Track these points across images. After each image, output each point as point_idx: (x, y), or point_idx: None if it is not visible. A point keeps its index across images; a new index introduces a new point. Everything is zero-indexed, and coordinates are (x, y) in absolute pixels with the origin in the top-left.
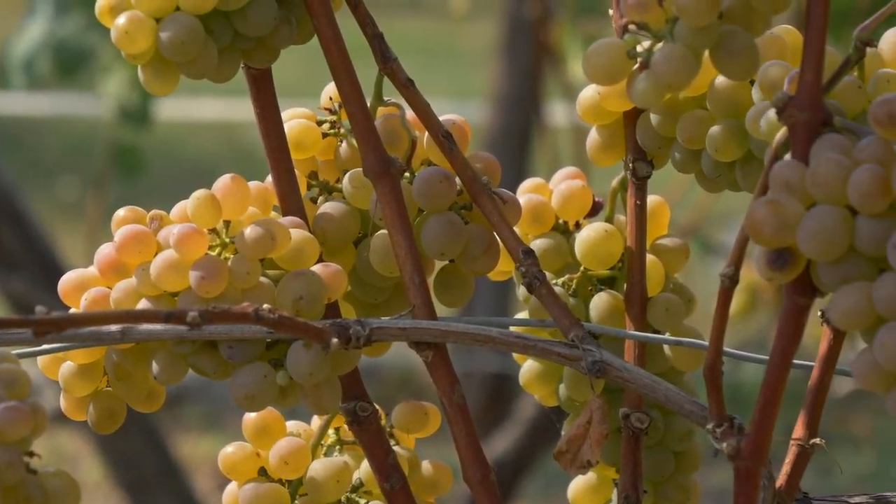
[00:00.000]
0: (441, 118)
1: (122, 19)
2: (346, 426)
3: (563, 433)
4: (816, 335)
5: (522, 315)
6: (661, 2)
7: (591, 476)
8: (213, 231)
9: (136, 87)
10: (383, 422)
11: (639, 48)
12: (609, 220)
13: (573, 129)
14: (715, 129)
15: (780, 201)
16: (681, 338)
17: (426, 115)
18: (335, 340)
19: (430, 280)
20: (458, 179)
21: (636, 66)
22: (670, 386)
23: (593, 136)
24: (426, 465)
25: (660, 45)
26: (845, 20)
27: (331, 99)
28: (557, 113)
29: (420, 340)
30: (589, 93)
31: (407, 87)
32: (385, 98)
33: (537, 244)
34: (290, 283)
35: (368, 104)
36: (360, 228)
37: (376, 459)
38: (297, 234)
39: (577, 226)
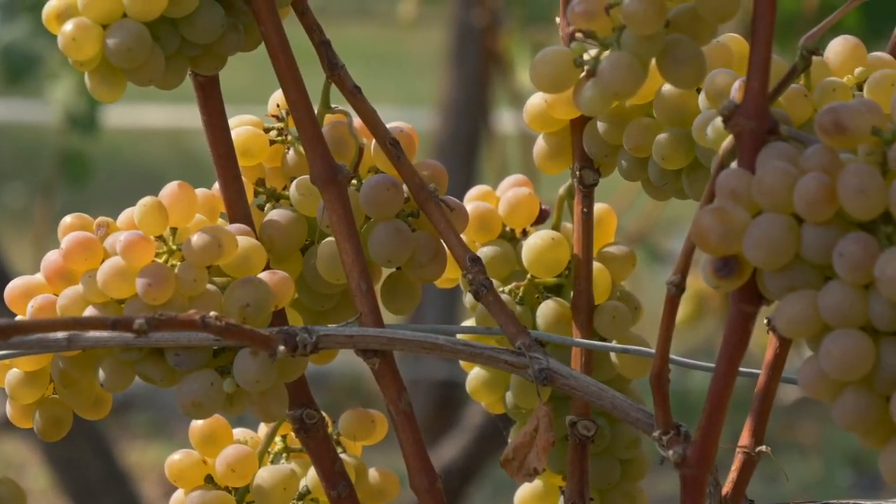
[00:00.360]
0: (388, 125)
1: (69, 26)
2: (293, 433)
3: (509, 441)
4: (763, 343)
5: (469, 323)
6: (608, 10)
7: (537, 484)
8: (160, 238)
9: (83, 94)
10: (330, 429)
11: (586, 56)
12: (556, 227)
13: (521, 137)
14: (661, 137)
15: (726, 209)
16: (627, 345)
17: (373, 122)
18: (282, 348)
19: (378, 287)
20: (405, 187)
21: (583, 74)
22: (617, 394)
23: (540, 144)
24: (373, 473)
25: (606, 53)
26: (791, 29)
27: (278, 106)
28: (505, 120)
29: (367, 348)
30: (536, 101)
31: (354, 95)
32: (332, 105)
33: (484, 252)
34: (237, 291)
35: (316, 111)
36: (307, 236)
37: (323, 467)
38: (244, 241)
39: (524, 233)
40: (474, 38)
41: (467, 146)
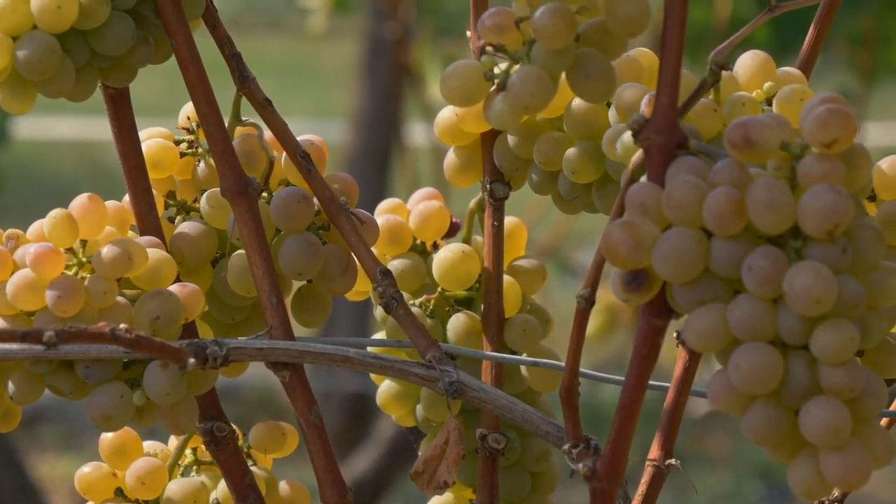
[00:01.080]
0: (299, 138)
1: None
2: (203, 446)
3: (420, 453)
4: (673, 356)
5: (380, 335)
6: (518, 24)
7: (447, 496)
8: (70, 250)
9: None
10: (241, 442)
11: (496, 70)
12: (466, 240)
13: (432, 150)
14: (571, 151)
15: (635, 223)
16: (538, 359)
17: (284, 135)
18: (192, 360)
19: (288, 300)
20: (315, 200)
21: (493, 87)
22: (527, 407)
23: (451, 158)
24: (283, 486)
25: (517, 67)
26: (701, 43)
27: (189, 118)
28: (417, 133)
29: (277, 361)
30: (446, 114)
31: (265, 108)
32: (243, 118)
33: (395, 265)
34: (147, 303)
35: (226, 124)
36: (217, 248)
37: (233, 480)
38: (155, 253)
39: (435, 246)
40: (386, 51)
41: (379, 159)
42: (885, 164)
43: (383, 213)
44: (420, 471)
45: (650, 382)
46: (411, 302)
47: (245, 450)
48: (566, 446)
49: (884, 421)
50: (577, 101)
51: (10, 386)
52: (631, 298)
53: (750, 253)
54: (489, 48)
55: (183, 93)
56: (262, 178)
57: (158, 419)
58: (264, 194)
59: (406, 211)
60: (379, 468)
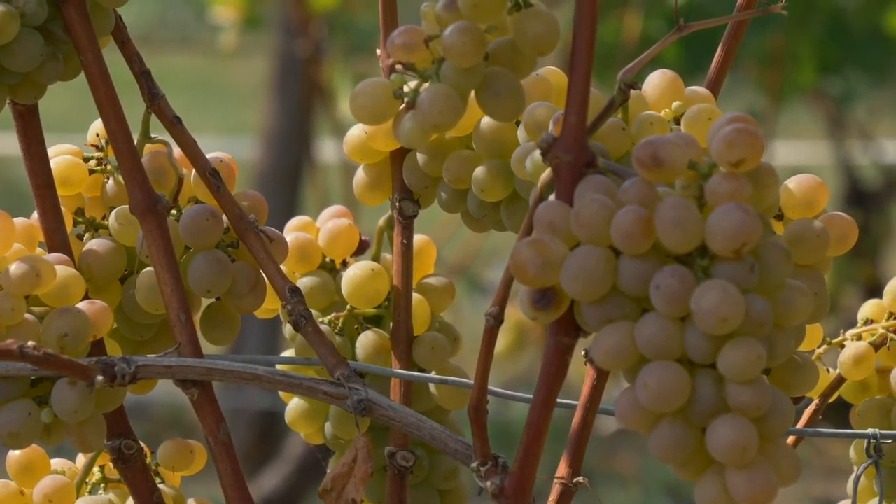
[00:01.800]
0: (208, 156)
1: None
2: (111, 464)
3: (328, 471)
4: (582, 374)
5: (289, 353)
6: (428, 43)
7: None
8: None
9: None
10: (149, 459)
11: (405, 88)
12: (376, 258)
13: (343, 167)
14: (480, 169)
15: (543, 241)
16: (446, 376)
17: (193, 152)
18: (100, 378)
19: (197, 318)
20: (224, 217)
21: (403, 105)
22: (435, 424)
23: (360, 175)
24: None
25: (426, 85)
26: (610, 62)
27: (98, 135)
28: (328, 150)
29: (185, 378)
30: (356, 132)
31: (174, 125)
32: (152, 135)
33: (304, 282)
34: (55, 321)
35: (135, 141)
36: (126, 265)
37: (141, 497)
38: (63, 270)
39: (344, 264)
40: (297, 68)
41: (289, 176)
42: (792, 183)
43: (292, 231)
44: (328, 488)
45: (558, 400)
46: (320, 320)
47: (153, 467)
48: (474, 464)
49: (790, 439)
50: (487, 120)
51: None
52: (539, 317)
53: (658, 272)
54: (399, 66)
55: (92, 109)
56: (171, 196)
57: (66, 437)
58: (173, 211)
59: (315, 228)
60: (288, 486)
